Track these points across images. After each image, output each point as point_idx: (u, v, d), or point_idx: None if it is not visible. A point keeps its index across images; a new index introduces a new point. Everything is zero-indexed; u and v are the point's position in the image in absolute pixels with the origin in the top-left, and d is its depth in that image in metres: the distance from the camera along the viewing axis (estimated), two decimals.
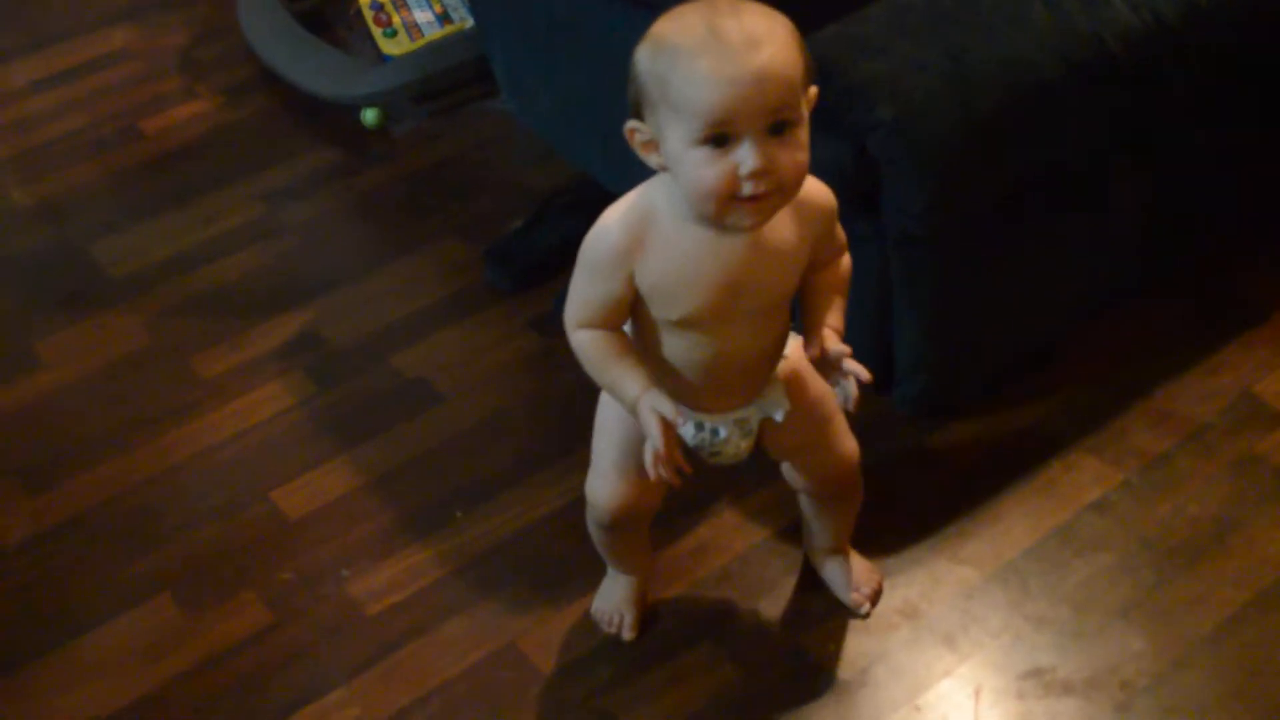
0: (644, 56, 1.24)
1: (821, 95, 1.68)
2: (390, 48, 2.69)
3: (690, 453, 1.51)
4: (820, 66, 1.69)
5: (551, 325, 2.17)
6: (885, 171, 1.69)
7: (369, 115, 2.66)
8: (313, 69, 2.70)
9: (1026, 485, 1.85)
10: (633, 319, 1.41)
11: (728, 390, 1.45)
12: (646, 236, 1.32)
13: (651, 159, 1.29)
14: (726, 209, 1.25)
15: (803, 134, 1.25)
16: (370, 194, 2.56)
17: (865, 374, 1.37)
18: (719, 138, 1.22)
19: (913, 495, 1.86)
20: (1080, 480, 1.85)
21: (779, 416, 1.48)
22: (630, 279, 1.34)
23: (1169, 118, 1.88)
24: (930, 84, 1.67)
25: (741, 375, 1.44)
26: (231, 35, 2.96)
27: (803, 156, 1.25)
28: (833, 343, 1.40)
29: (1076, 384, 1.98)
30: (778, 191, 1.25)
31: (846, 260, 1.45)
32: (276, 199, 2.55)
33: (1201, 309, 2.07)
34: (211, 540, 1.91)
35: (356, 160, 2.64)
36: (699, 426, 1.48)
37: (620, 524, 1.61)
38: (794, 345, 1.50)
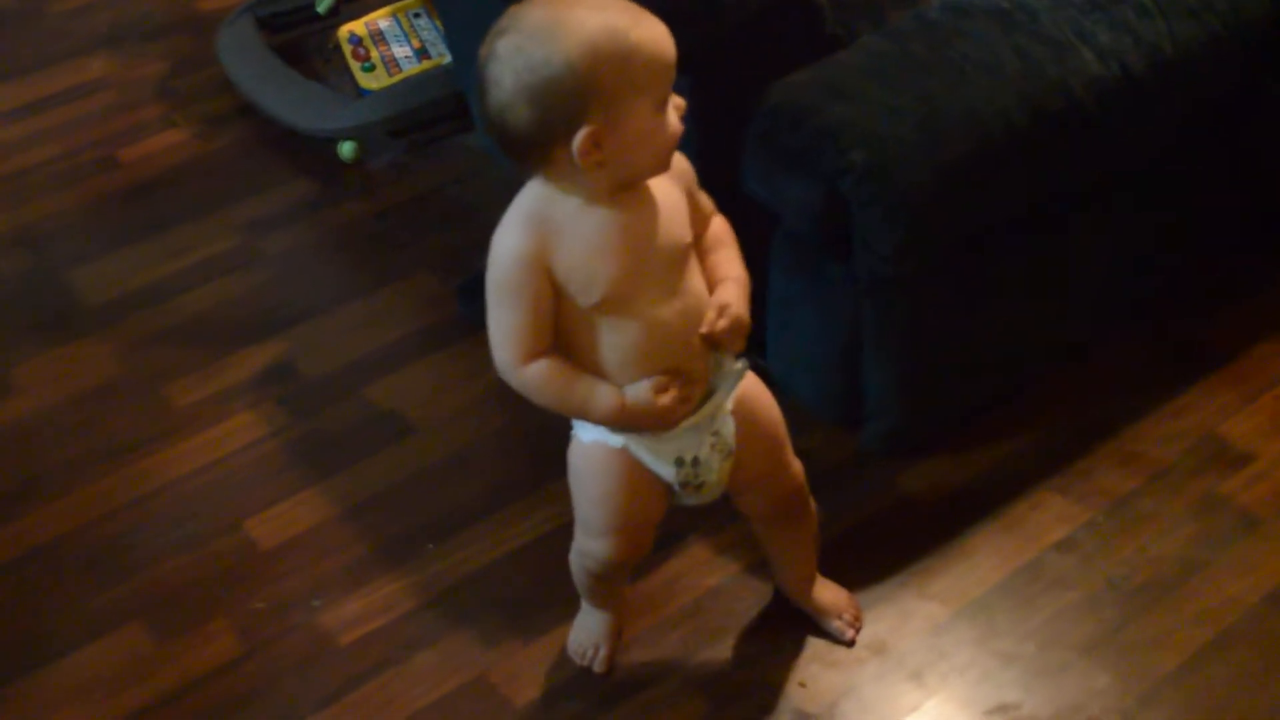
0: (583, 58, 1.26)
1: (794, 137, 1.72)
2: (368, 82, 2.71)
3: (671, 496, 1.53)
4: (793, 110, 1.73)
5: None
6: (856, 214, 1.71)
7: (345, 148, 2.68)
8: (290, 102, 2.72)
9: (994, 523, 1.87)
10: (562, 336, 1.41)
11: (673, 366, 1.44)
12: (547, 231, 1.36)
13: (590, 161, 1.29)
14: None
15: None
16: (346, 227, 2.57)
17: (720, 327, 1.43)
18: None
19: (881, 532, 1.88)
20: (1046, 519, 1.87)
21: (739, 366, 1.48)
22: (548, 275, 1.36)
23: (1135, 165, 1.92)
24: (902, 129, 1.69)
25: (678, 346, 1.43)
26: (210, 66, 2.97)
27: None
28: (713, 314, 1.43)
29: (1043, 424, 2.00)
30: None
31: (721, 219, 1.50)
32: (252, 230, 2.56)
33: (1167, 352, 2.10)
34: (182, 570, 1.91)
35: (333, 193, 2.65)
36: (679, 463, 1.49)
37: (617, 572, 1.63)
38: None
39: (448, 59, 2.69)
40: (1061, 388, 2.06)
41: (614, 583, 1.68)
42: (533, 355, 1.40)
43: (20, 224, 2.63)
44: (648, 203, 1.38)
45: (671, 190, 1.41)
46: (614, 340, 1.40)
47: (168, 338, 2.33)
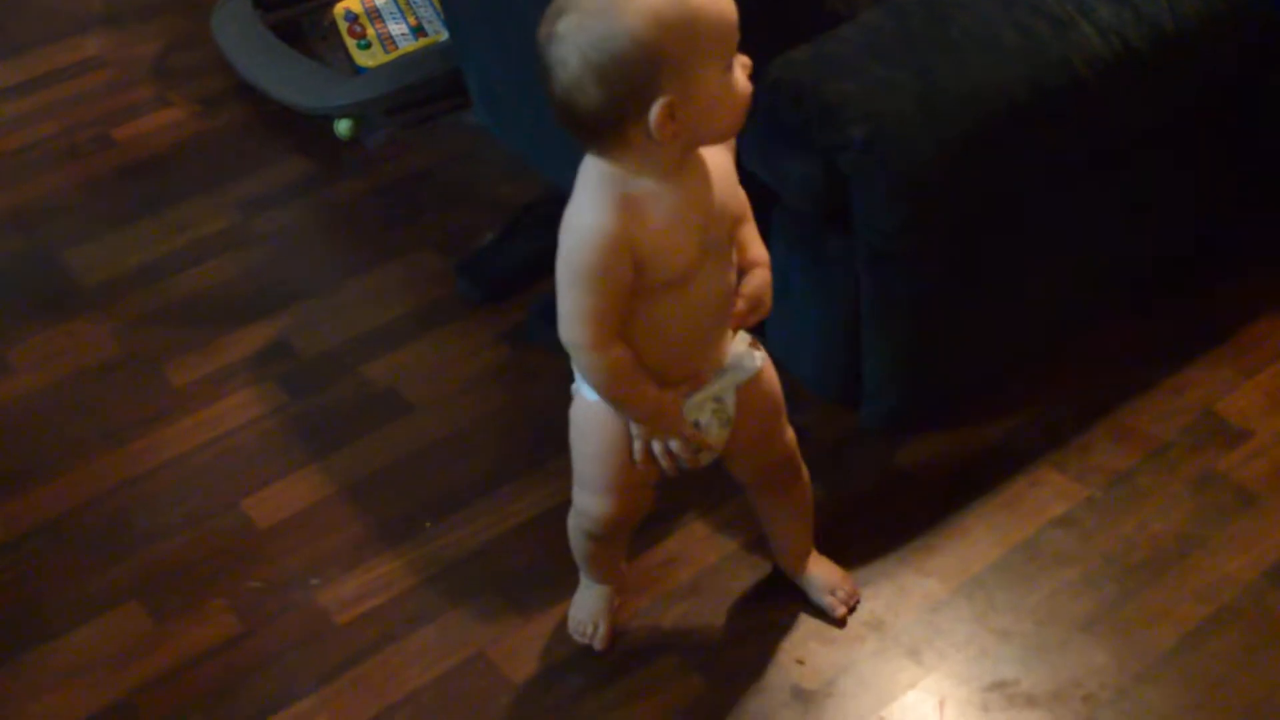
0: (647, 29, 1.23)
1: (794, 113, 1.72)
2: (364, 59, 2.70)
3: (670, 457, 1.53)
4: (793, 86, 1.73)
5: (523, 338, 2.19)
6: (856, 190, 1.71)
7: (342, 126, 2.67)
8: (286, 79, 2.71)
9: (992, 500, 1.87)
10: None
11: (702, 347, 1.46)
12: (633, 210, 1.32)
13: (667, 133, 1.27)
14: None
15: None
16: (343, 205, 2.56)
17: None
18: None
19: (879, 509, 1.88)
20: (1045, 496, 1.87)
21: (758, 363, 1.49)
22: (632, 255, 1.33)
23: (1136, 141, 1.91)
24: (902, 105, 1.69)
25: (711, 323, 1.45)
26: (205, 44, 2.96)
27: None
28: (745, 306, 1.46)
29: (1042, 401, 2.00)
30: None
31: (742, 192, 1.49)
32: (249, 208, 2.55)
33: (1165, 329, 2.10)
34: (181, 548, 1.91)
35: (329, 171, 2.65)
36: None
37: (613, 533, 1.63)
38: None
39: (444, 36, 2.68)
40: (1060, 364, 2.06)
41: (611, 547, 1.68)
42: (611, 338, 1.38)
43: (15, 203, 2.63)
44: (710, 172, 1.38)
45: (726, 159, 1.40)
46: (661, 310, 1.39)
47: (165, 317, 2.32)
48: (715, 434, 1.51)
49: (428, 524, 1.91)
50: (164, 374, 2.19)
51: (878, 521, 1.86)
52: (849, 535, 1.82)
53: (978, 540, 1.82)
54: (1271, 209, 2.21)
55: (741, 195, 1.48)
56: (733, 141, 1.44)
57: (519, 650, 1.74)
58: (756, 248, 1.49)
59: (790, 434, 1.63)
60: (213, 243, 2.48)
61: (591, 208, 1.34)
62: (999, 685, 1.66)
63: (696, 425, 1.49)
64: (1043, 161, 1.82)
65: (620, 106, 1.26)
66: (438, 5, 2.74)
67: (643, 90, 1.25)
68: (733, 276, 1.45)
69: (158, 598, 1.85)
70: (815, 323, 1.90)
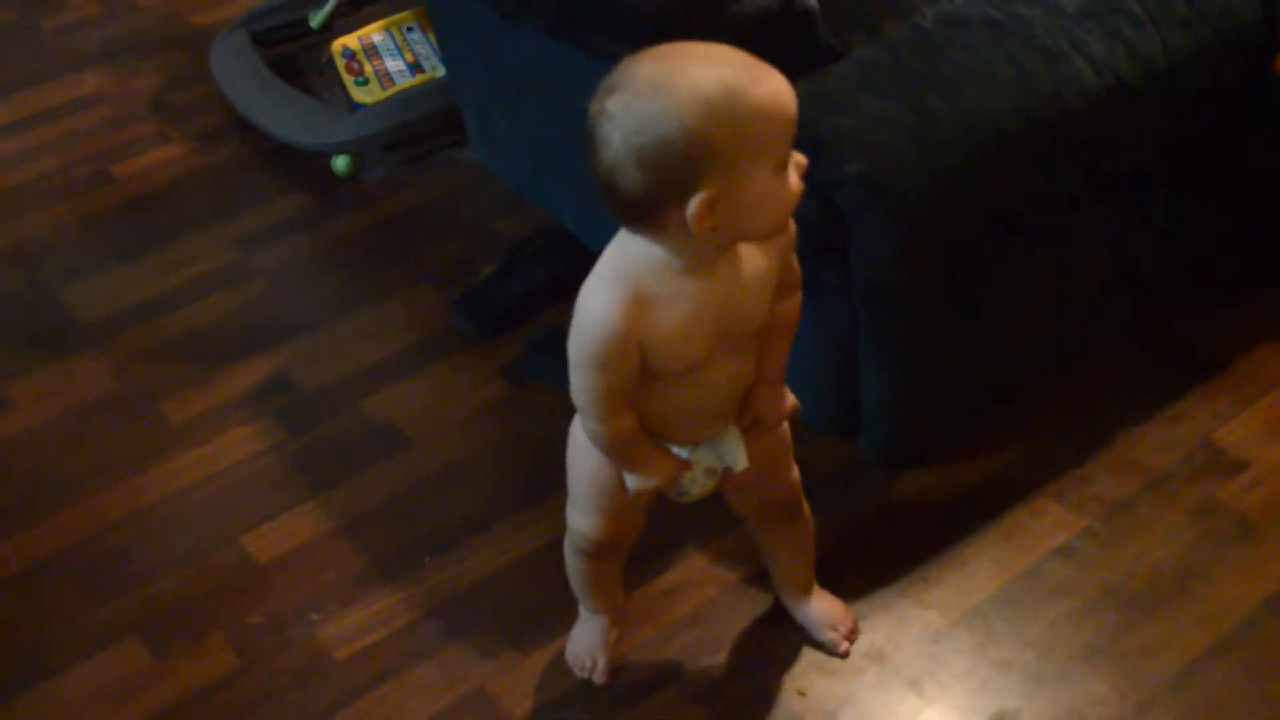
0: (696, 119, 1.17)
1: None
2: (362, 96, 2.71)
3: (657, 494, 1.53)
4: None
5: (521, 372, 2.19)
6: (852, 224, 1.72)
7: (340, 162, 2.68)
8: (284, 116, 2.72)
9: (991, 531, 1.87)
10: None
11: (704, 423, 1.46)
12: (644, 307, 1.30)
13: (704, 226, 1.22)
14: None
15: None
16: (341, 240, 2.57)
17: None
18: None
19: (879, 541, 1.88)
20: (1044, 526, 1.87)
21: (739, 467, 1.49)
22: (640, 348, 1.32)
23: (1130, 174, 1.92)
24: (896, 139, 1.70)
25: (722, 405, 1.46)
26: (203, 81, 2.98)
27: None
28: (764, 408, 1.49)
29: (1040, 431, 2.01)
30: None
31: (799, 297, 1.47)
32: (247, 244, 2.56)
33: (1162, 359, 2.10)
34: (180, 584, 1.91)
35: (327, 207, 2.65)
36: None
37: (603, 552, 1.63)
38: None
39: (441, 73, 2.69)
40: (1058, 395, 2.06)
41: (605, 569, 1.68)
42: (617, 413, 1.39)
43: (14, 240, 2.63)
44: (742, 278, 1.34)
45: (767, 266, 1.36)
46: (666, 391, 1.39)
47: (163, 353, 2.33)
48: (701, 482, 1.51)
49: (427, 559, 1.91)
50: (162, 410, 2.19)
51: (877, 553, 1.86)
52: (847, 567, 1.82)
53: (977, 571, 1.82)
54: (1265, 238, 2.22)
55: (783, 310, 1.44)
56: (791, 239, 1.39)
57: (519, 685, 1.74)
58: (773, 365, 1.48)
59: (795, 472, 1.63)
60: (211, 279, 2.48)
61: (603, 295, 1.31)
62: (1000, 716, 1.65)
63: (680, 480, 1.49)
64: (1037, 193, 1.83)
65: (659, 193, 1.21)
66: (435, 42, 2.76)
67: (684, 181, 1.20)
68: (749, 366, 1.44)
69: (157, 634, 1.84)
70: (812, 355, 1.90)
